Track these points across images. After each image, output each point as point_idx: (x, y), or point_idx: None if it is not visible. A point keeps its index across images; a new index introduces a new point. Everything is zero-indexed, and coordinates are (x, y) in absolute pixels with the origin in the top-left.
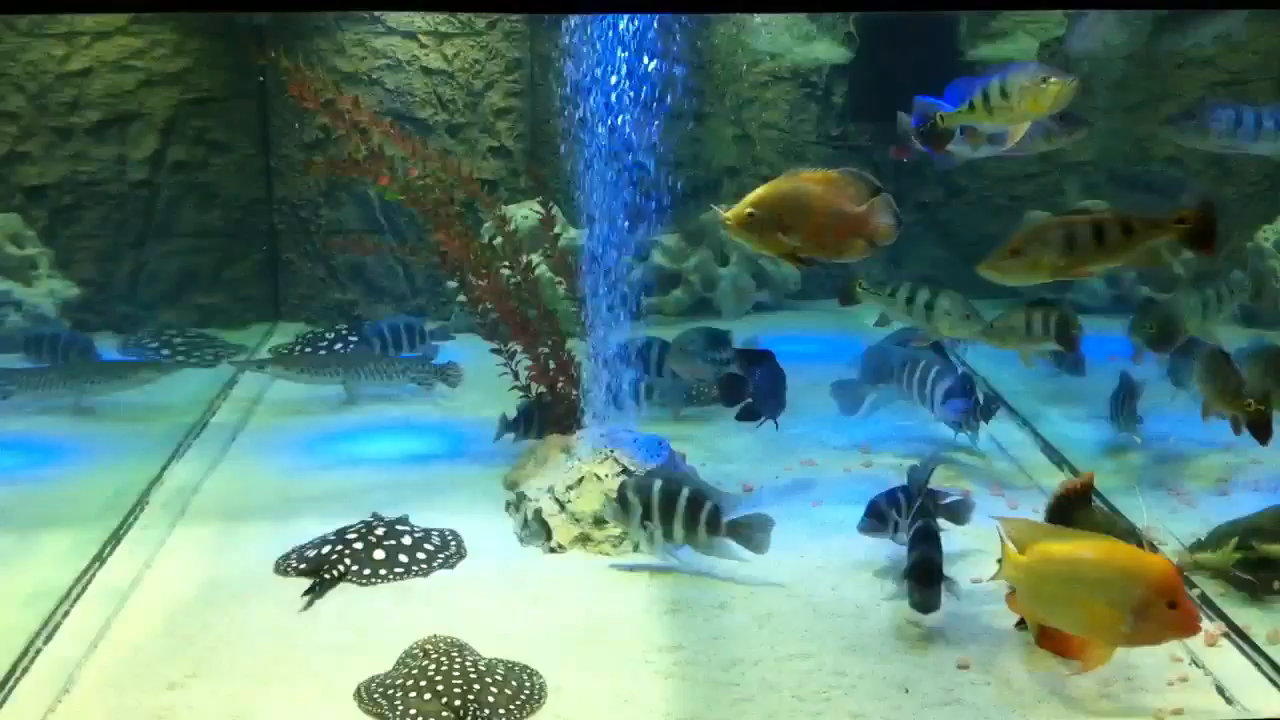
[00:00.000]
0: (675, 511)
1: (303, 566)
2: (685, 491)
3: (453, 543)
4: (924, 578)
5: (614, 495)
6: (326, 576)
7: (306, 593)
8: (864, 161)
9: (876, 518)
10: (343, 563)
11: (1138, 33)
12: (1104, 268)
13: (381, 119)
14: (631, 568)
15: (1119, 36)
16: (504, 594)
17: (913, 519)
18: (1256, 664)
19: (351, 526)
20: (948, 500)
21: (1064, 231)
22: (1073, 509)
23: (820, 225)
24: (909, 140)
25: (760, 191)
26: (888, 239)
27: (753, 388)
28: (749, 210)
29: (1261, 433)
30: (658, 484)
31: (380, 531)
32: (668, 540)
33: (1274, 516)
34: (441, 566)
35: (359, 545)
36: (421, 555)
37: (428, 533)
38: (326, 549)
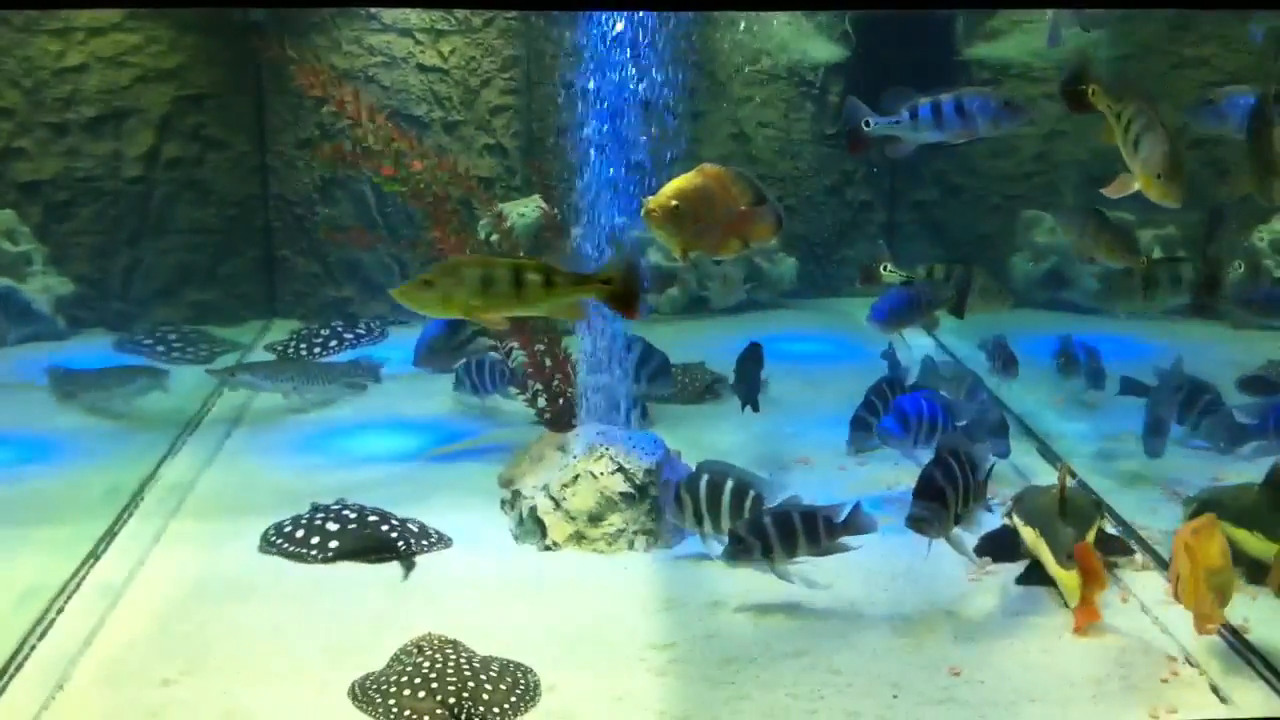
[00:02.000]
0: (722, 503)
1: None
2: (730, 483)
3: (415, 527)
4: (921, 493)
5: (665, 493)
6: (411, 558)
7: (407, 567)
8: (859, 160)
9: (737, 543)
10: (405, 540)
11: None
12: (523, 313)
13: (379, 113)
14: (626, 566)
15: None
16: (498, 592)
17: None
18: (1250, 662)
19: (328, 512)
20: (845, 515)
21: (481, 272)
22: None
23: (719, 221)
24: (862, 133)
25: (679, 184)
26: (765, 242)
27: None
28: (674, 202)
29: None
30: (705, 479)
31: (372, 518)
32: (716, 531)
33: (1235, 493)
34: (433, 548)
35: (385, 526)
36: (419, 531)
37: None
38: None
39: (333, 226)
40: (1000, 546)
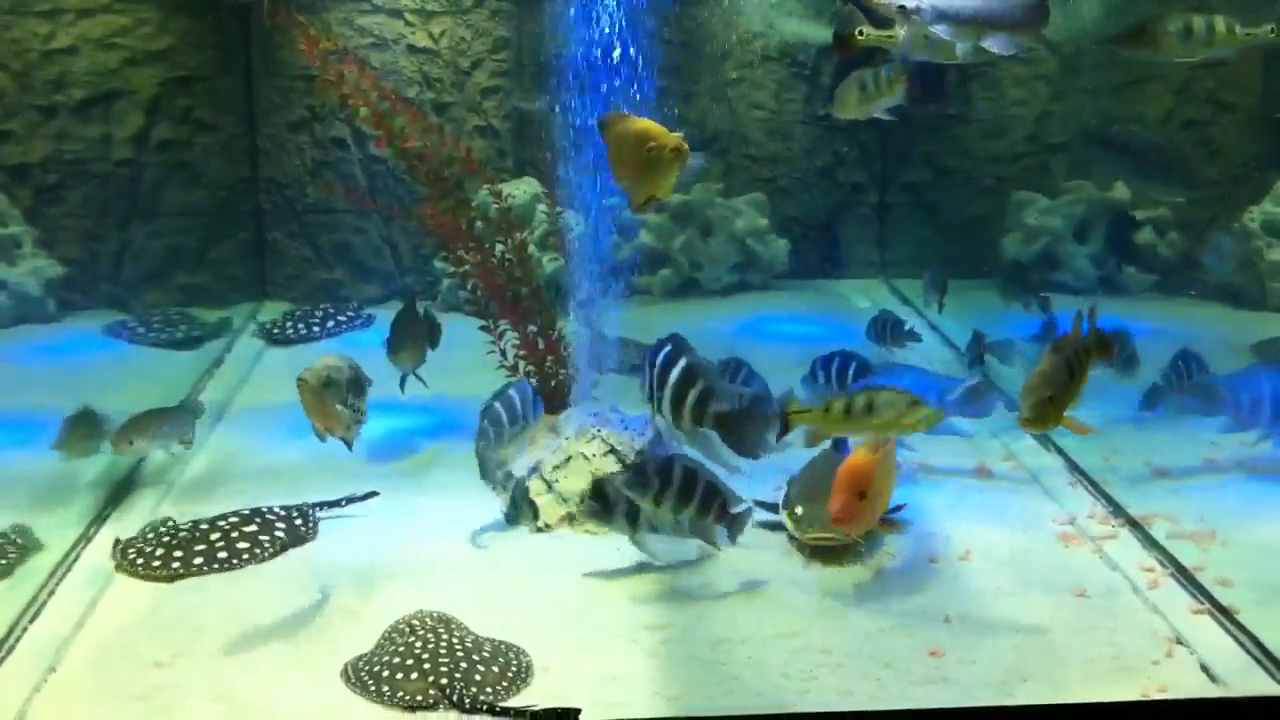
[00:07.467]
0: (678, 500)
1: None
2: (695, 479)
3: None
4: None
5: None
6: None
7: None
8: (851, 140)
9: (598, 500)
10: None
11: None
12: None
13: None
14: (618, 547)
15: None
16: (491, 573)
17: None
18: (1240, 642)
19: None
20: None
21: None
22: None
23: None
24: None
25: (655, 126)
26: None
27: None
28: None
29: None
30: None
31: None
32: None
33: None
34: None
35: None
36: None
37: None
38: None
39: (323, 209)
40: None
